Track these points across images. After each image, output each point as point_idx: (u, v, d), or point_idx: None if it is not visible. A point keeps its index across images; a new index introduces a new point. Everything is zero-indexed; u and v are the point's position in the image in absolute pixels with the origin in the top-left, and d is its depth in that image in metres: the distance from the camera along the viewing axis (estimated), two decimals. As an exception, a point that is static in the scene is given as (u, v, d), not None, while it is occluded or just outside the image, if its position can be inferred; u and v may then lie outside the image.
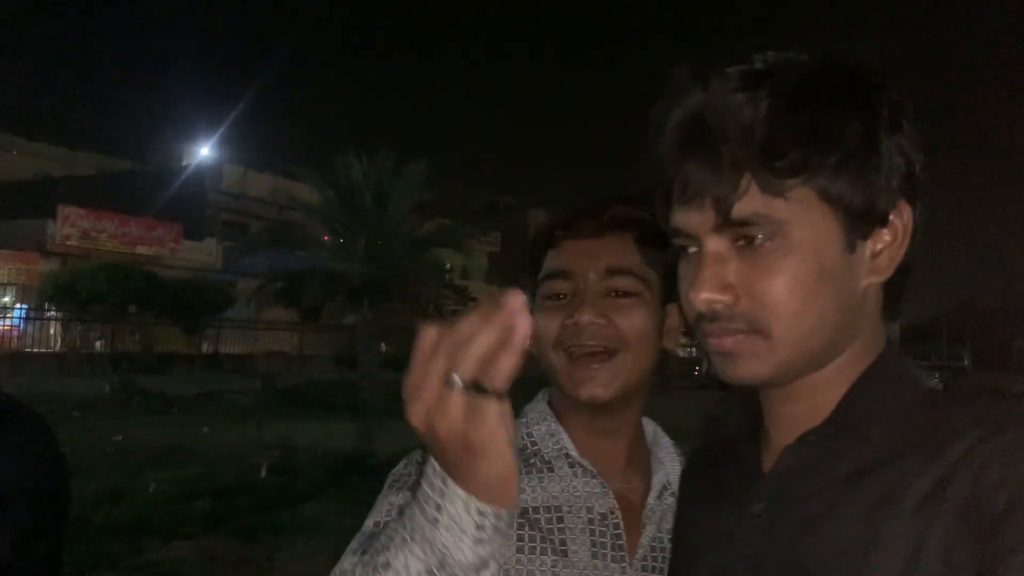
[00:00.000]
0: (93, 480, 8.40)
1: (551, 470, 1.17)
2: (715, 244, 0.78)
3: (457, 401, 0.63)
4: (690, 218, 0.79)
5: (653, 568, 1.14)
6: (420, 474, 0.74)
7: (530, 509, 1.13)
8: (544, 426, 1.21)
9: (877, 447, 0.78)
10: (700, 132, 0.77)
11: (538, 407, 1.24)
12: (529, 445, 1.20)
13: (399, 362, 27.77)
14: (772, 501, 0.82)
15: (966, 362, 40.94)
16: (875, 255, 0.79)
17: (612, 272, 1.14)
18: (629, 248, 1.17)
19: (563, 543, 1.11)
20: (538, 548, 1.10)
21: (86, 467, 9.27)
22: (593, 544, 1.12)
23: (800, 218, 0.75)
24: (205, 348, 29.03)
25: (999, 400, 0.79)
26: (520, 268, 1.26)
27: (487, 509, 0.68)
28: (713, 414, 0.98)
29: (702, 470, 1.00)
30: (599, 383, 1.12)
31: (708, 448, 1.02)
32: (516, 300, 0.63)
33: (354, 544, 1.08)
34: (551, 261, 1.18)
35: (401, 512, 0.77)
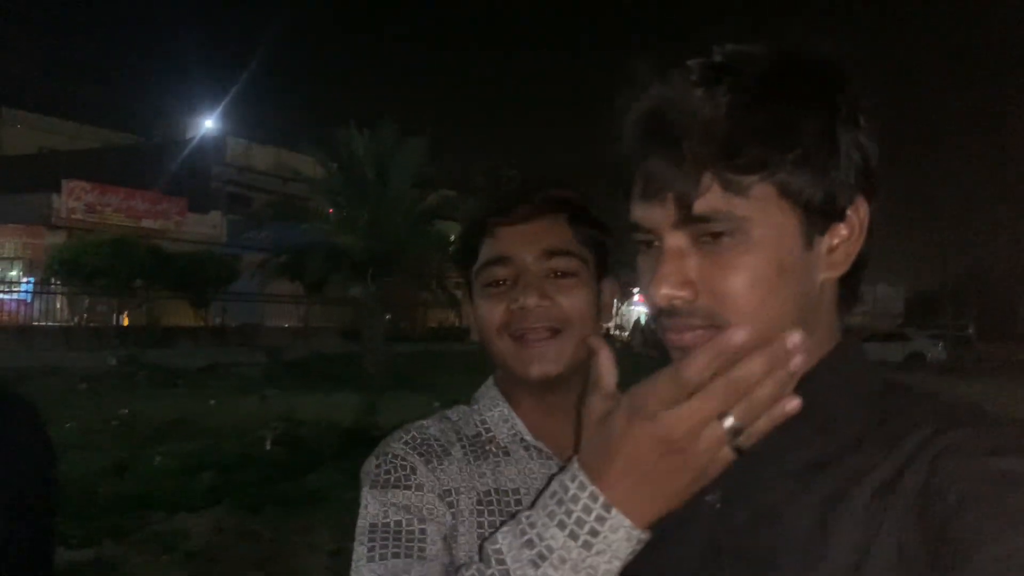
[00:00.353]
0: (99, 453, 8.50)
1: (507, 454, 1.19)
2: (675, 240, 0.78)
3: (727, 447, 0.69)
4: (651, 213, 0.79)
5: None
6: (539, 492, 0.76)
7: (492, 491, 1.15)
8: (497, 411, 1.22)
9: (833, 439, 0.78)
10: (661, 128, 0.77)
11: (489, 392, 1.26)
12: (484, 432, 1.22)
13: (403, 335, 27.76)
14: (727, 491, 0.82)
15: (971, 331, 40.80)
16: (831, 250, 0.79)
17: (550, 254, 1.17)
18: (564, 229, 1.19)
19: None
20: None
21: (92, 440, 9.38)
22: None
23: (760, 215, 0.75)
24: (211, 321, 29.15)
25: (953, 398, 0.79)
26: (456, 257, 1.28)
27: (644, 536, 0.73)
28: None
29: None
30: (548, 360, 1.15)
31: None
32: (798, 342, 0.67)
33: (362, 549, 1.10)
34: (488, 248, 1.20)
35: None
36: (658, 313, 0.81)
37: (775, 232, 0.76)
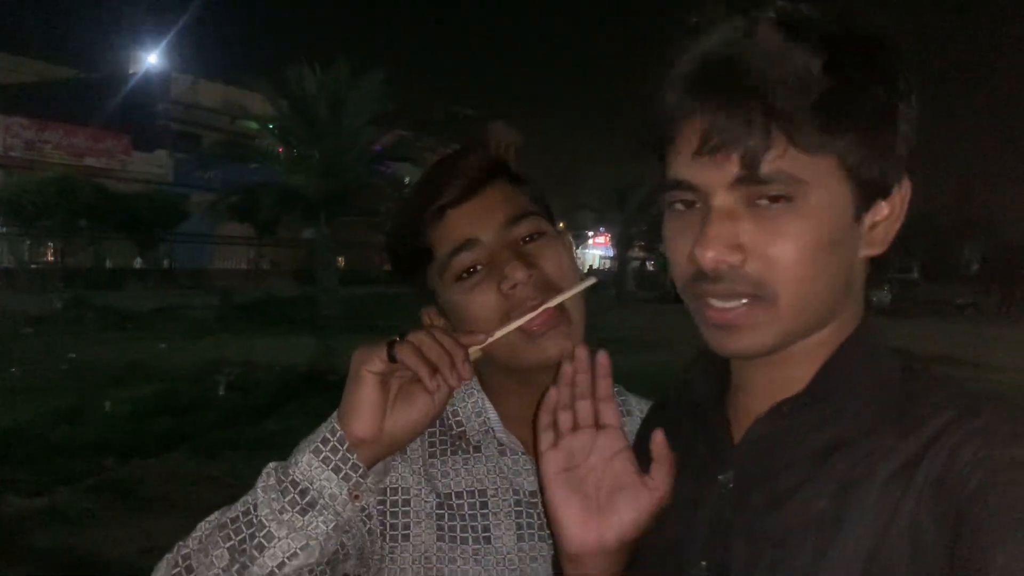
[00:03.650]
0: (48, 398, 8.33)
1: (477, 451, 1.11)
2: (726, 200, 0.73)
3: None
4: (703, 171, 0.74)
5: None
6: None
7: (452, 495, 1.08)
8: (471, 402, 1.14)
9: (851, 421, 0.76)
10: (733, 77, 0.71)
11: None
12: (454, 426, 1.13)
13: (358, 277, 27.68)
14: (741, 472, 0.81)
15: (915, 274, 41.90)
16: (872, 227, 0.77)
17: (514, 220, 1.07)
18: (511, 192, 1.10)
19: (486, 529, 1.07)
20: (458, 537, 1.06)
21: (40, 385, 9.19)
22: (519, 527, 1.08)
23: (820, 181, 0.72)
24: (159, 263, 28.60)
25: (974, 387, 0.77)
26: (398, 264, 1.16)
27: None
28: (681, 376, 0.96)
29: (666, 433, 0.95)
30: (564, 336, 1.04)
31: (671, 409, 0.98)
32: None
33: None
34: (444, 238, 1.07)
35: None
36: (696, 277, 0.76)
37: (830, 202, 0.73)
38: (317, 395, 8.71)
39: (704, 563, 0.81)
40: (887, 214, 0.77)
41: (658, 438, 0.84)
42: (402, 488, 1.07)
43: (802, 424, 0.78)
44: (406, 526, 1.06)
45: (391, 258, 1.18)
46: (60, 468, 6.15)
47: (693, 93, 0.73)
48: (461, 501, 1.08)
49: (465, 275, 1.06)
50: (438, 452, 1.11)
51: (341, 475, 0.93)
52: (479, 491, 1.09)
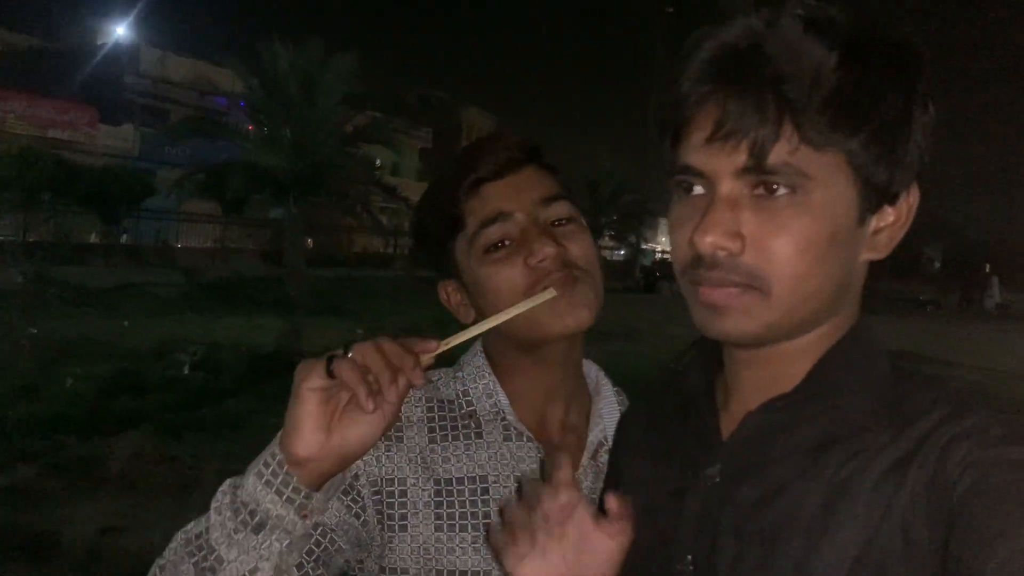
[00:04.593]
0: (8, 374, 8.19)
1: (480, 436, 1.11)
2: (732, 188, 0.74)
3: None
4: (712, 158, 0.74)
5: None
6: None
7: (453, 480, 1.08)
8: (482, 384, 1.14)
9: (843, 419, 0.77)
10: (750, 67, 0.72)
11: (476, 361, 1.17)
12: (464, 405, 1.13)
13: (326, 259, 27.49)
14: (730, 467, 0.81)
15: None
16: (876, 232, 0.77)
17: (547, 201, 1.10)
18: (547, 176, 1.13)
19: (487, 515, 1.06)
20: (457, 525, 1.05)
21: (0, 361, 9.02)
22: None
23: (826, 178, 0.72)
24: (124, 239, 28.14)
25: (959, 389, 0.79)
26: (425, 233, 1.17)
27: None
28: (670, 367, 0.96)
29: (652, 423, 0.98)
30: (584, 306, 1.07)
31: (658, 400, 0.98)
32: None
33: None
34: (479, 209, 1.10)
35: None
36: (694, 263, 0.77)
37: (835, 199, 0.73)
38: (282, 377, 8.61)
39: (690, 557, 0.81)
40: (893, 220, 0.78)
41: (612, 503, 0.80)
42: (398, 479, 1.06)
43: (793, 421, 0.79)
44: (403, 517, 1.05)
45: (417, 230, 1.19)
46: (19, 445, 6.06)
47: (710, 79, 0.74)
48: (462, 487, 1.07)
49: (493, 248, 1.08)
50: (438, 437, 1.10)
51: (284, 498, 0.90)
52: (480, 477, 1.08)
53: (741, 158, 0.73)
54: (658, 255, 41.04)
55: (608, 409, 1.18)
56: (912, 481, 0.70)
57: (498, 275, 1.08)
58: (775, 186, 0.73)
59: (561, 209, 1.11)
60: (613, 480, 1.03)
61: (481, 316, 1.10)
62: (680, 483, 0.85)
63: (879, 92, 0.72)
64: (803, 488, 0.75)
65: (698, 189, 0.77)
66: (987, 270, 31.55)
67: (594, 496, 1.10)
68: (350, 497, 1.04)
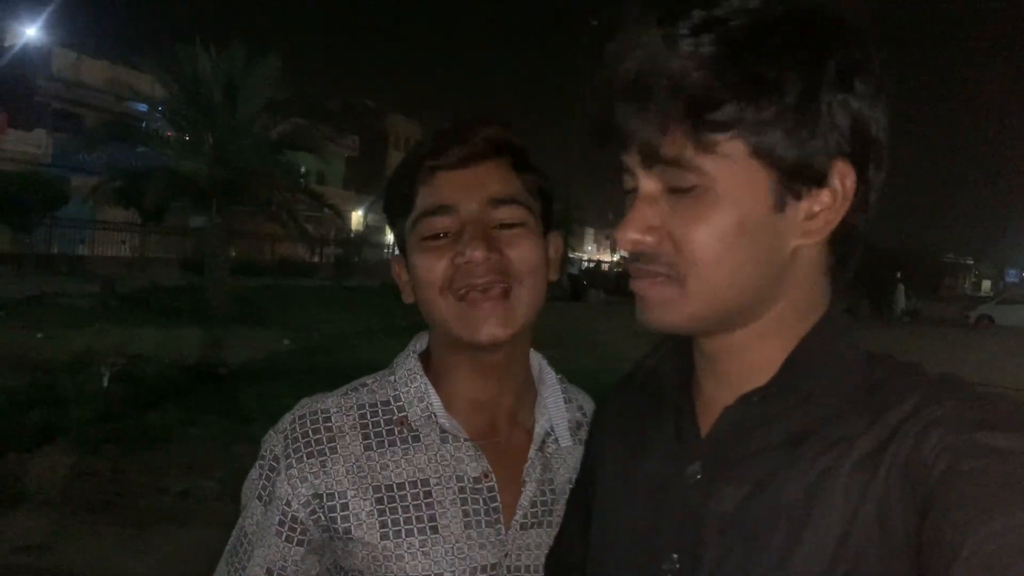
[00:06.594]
0: (-88, 389, 7.83)
1: (416, 439, 1.10)
2: (649, 186, 0.78)
3: None
4: (629, 157, 0.79)
5: (535, 524, 1.11)
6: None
7: (394, 486, 1.07)
8: (413, 387, 1.13)
9: (818, 410, 0.77)
10: (631, 81, 0.75)
11: (407, 364, 1.16)
12: (396, 411, 1.12)
13: (249, 268, 26.89)
14: (710, 462, 0.82)
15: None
16: (811, 216, 0.76)
17: (496, 202, 1.07)
18: (508, 175, 1.10)
19: (432, 518, 1.06)
20: (403, 531, 1.05)
21: (-97, 375, 8.61)
22: (465, 514, 1.07)
23: (727, 171, 0.74)
24: (36, 248, 27.08)
25: (937, 372, 0.79)
26: (387, 207, 1.16)
27: None
28: (644, 362, 0.97)
29: (627, 418, 0.98)
30: (498, 322, 1.05)
31: (633, 395, 0.99)
32: None
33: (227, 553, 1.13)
34: (426, 197, 1.08)
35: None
36: (628, 258, 0.81)
37: (741, 190, 0.74)
38: (204, 388, 8.48)
39: (675, 555, 0.82)
40: (828, 203, 0.76)
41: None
42: (337, 492, 1.06)
43: (770, 414, 0.79)
44: (347, 531, 1.05)
45: (386, 196, 1.17)
46: (-74, 463, 5.81)
47: (608, 92, 0.78)
48: (404, 492, 1.06)
49: (432, 238, 1.07)
50: (374, 444, 1.09)
51: None
52: (421, 480, 1.07)
53: (638, 158, 0.78)
54: (585, 263, 41.40)
55: (553, 399, 1.18)
56: (888, 467, 0.70)
57: (424, 264, 1.07)
58: (683, 181, 0.75)
59: (510, 212, 1.08)
60: (589, 475, 1.03)
61: (417, 299, 1.11)
62: (661, 479, 0.86)
63: (766, 79, 0.71)
64: (783, 482, 0.76)
65: (632, 188, 0.81)
66: (898, 277, 32.67)
67: (544, 487, 1.13)
68: (287, 527, 1.06)
